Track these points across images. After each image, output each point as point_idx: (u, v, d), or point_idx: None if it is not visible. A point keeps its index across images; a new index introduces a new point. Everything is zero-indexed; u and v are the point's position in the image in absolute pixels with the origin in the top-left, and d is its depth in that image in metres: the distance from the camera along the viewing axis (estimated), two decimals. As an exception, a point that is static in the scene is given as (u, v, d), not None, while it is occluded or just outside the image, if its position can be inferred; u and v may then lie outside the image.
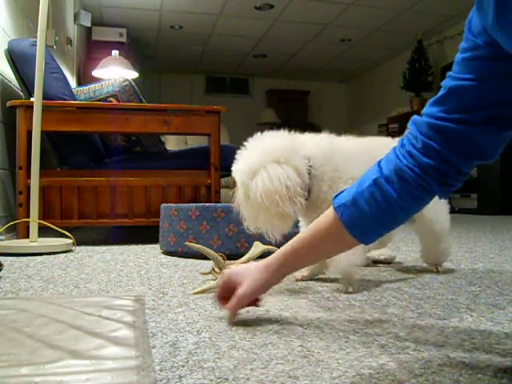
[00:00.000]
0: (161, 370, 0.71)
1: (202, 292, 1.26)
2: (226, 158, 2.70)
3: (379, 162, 0.90)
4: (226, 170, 2.75)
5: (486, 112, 0.78)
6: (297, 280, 1.46)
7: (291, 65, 8.02)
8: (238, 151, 1.31)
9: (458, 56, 0.81)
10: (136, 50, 6.25)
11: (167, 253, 2.05)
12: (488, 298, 1.21)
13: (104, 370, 0.71)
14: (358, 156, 1.35)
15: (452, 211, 1.61)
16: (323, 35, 6.57)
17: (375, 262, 1.78)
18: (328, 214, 0.92)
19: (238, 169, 1.29)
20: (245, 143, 1.32)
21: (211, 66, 8.12)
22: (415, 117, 0.87)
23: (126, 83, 2.69)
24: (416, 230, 1.60)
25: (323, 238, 0.93)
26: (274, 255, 0.99)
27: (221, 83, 8.65)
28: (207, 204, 1.96)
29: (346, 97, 9.16)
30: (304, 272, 1.47)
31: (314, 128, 7.52)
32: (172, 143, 5.57)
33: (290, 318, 1.02)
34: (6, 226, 2.29)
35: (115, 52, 4.47)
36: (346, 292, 1.29)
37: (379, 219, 0.88)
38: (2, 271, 1.53)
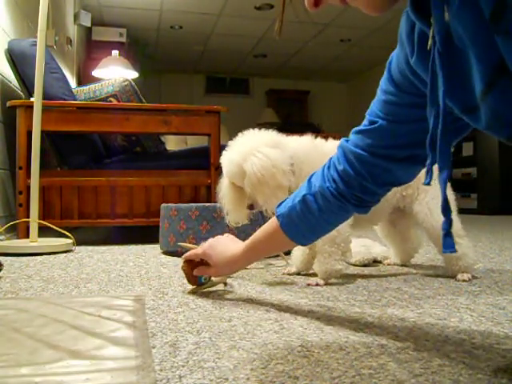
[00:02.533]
0: (161, 370, 0.71)
1: (196, 291, 1.26)
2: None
3: (310, 177, 1.03)
4: (225, 170, 2.75)
5: (404, 151, 0.88)
6: (283, 274, 1.56)
7: (291, 65, 8.01)
8: (225, 149, 1.39)
9: (379, 95, 0.88)
10: (136, 50, 6.25)
11: (167, 253, 2.05)
12: (488, 298, 1.21)
13: (104, 370, 0.71)
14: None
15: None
16: (323, 35, 6.56)
17: (376, 262, 1.78)
18: (273, 220, 1.07)
19: (228, 156, 1.37)
20: (230, 141, 1.40)
21: (211, 66, 8.12)
22: (344, 141, 0.96)
23: (126, 83, 2.69)
24: None
25: (273, 239, 1.09)
26: (246, 241, 1.14)
27: (221, 83, 8.65)
28: (207, 204, 1.96)
29: (346, 97, 9.16)
30: (293, 268, 1.56)
31: (314, 128, 7.52)
32: (172, 143, 5.57)
33: (289, 317, 1.02)
34: (6, 226, 2.29)
35: (115, 52, 4.48)
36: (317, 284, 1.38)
37: (310, 228, 1.03)
38: (2, 271, 1.53)
